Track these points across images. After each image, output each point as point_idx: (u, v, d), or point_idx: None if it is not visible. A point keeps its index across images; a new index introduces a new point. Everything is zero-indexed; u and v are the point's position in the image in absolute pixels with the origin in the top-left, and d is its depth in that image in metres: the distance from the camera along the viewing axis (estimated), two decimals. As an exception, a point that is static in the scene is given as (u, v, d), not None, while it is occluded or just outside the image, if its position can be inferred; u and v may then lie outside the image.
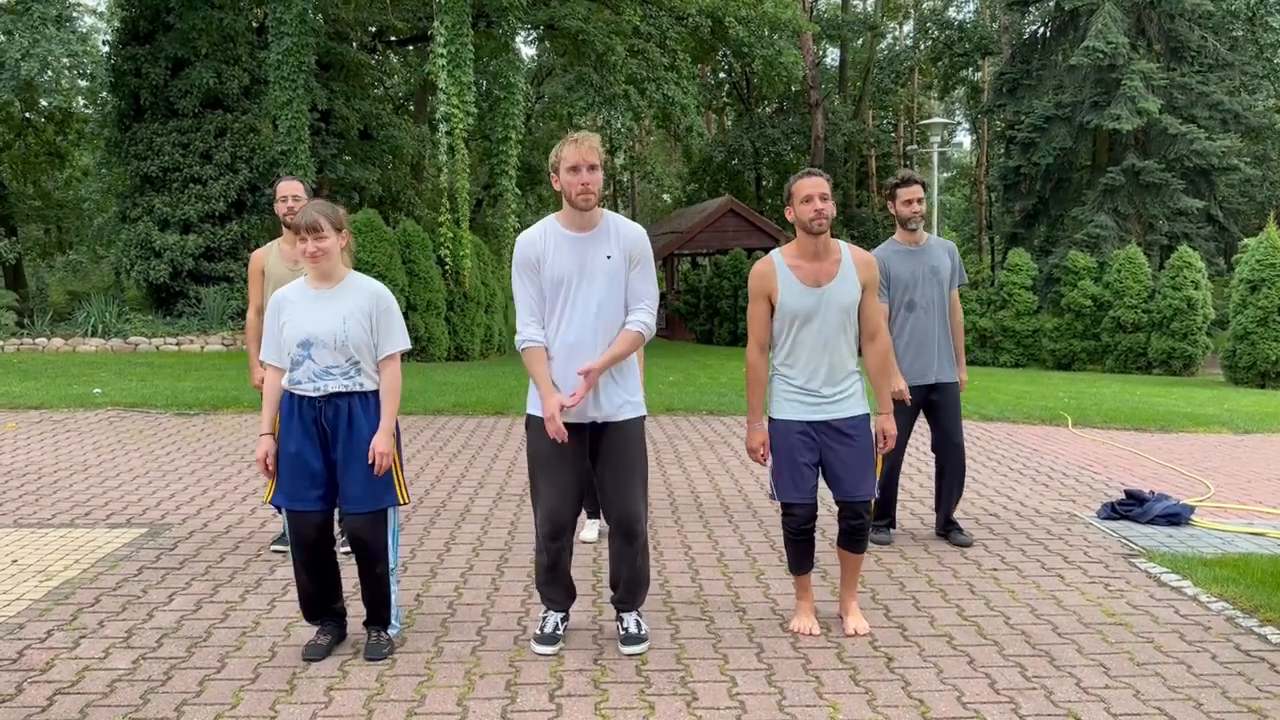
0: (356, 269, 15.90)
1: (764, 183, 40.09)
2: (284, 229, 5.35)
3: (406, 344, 3.99)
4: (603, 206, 3.84)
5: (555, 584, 3.96)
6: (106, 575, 4.87)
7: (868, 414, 4.11)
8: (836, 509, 4.22)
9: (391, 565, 3.94)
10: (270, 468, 3.86)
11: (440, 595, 4.64)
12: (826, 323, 3.99)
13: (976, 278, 21.62)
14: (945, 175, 53.45)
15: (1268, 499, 6.96)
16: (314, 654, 3.86)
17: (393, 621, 4.00)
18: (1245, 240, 17.13)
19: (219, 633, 4.14)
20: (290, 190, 5.22)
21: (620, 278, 3.75)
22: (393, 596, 3.96)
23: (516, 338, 3.76)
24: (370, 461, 3.81)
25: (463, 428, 9.44)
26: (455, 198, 16.20)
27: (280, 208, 5.25)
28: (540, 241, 3.75)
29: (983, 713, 3.43)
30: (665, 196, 49.75)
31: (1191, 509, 6.23)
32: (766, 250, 25.82)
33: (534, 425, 3.84)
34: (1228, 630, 4.25)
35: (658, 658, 3.90)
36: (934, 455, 5.61)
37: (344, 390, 3.83)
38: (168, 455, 7.91)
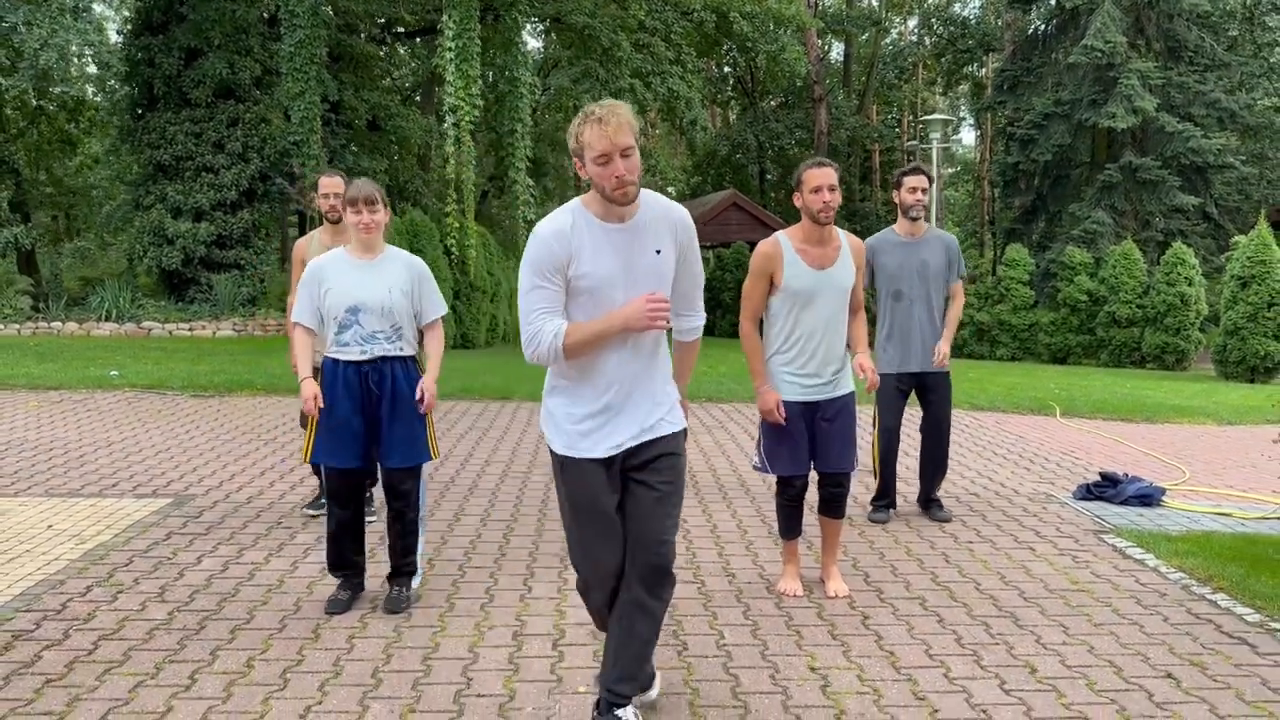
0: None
1: (768, 176, 40.35)
2: (325, 222, 5.58)
3: (445, 309, 4.36)
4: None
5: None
6: (137, 540, 5.21)
7: (853, 392, 4.42)
8: (818, 479, 4.43)
9: (421, 514, 4.32)
10: (319, 408, 4.10)
11: (451, 559, 4.97)
12: (828, 303, 4.25)
13: (976, 272, 21.86)
14: (950, 171, 53.67)
15: (1240, 484, 7.27)
16: (336, 608, 4.19)
17: (417, 570, 4.33)
18: (1237, 237, 17.41)
19: (246, 589, 4.48)
20: (333, 187, 5.44)
21: (669, 278, 3.01)
22: (420, 545, 4.32)
23: (538, 343, 2.89)
24: (419, 399, 4.17)
25: (469, 411, 9.76)
26: (461, 189, 16.51)
27: (324, 203, 5.48)
28: (571, 235, 2.89)
29: (948, 663, 3.75)
30: (670, 189, 50.02)
31: (1163, 491, 6.55)
32: (769, 244, 26.08)
33: (569, 467, 3.04)
34: (1182, 597, 4.57)
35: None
36: (920, 436, 5.93)
37: (388, 354, 4.16)
38: (186, 433, 8.25)
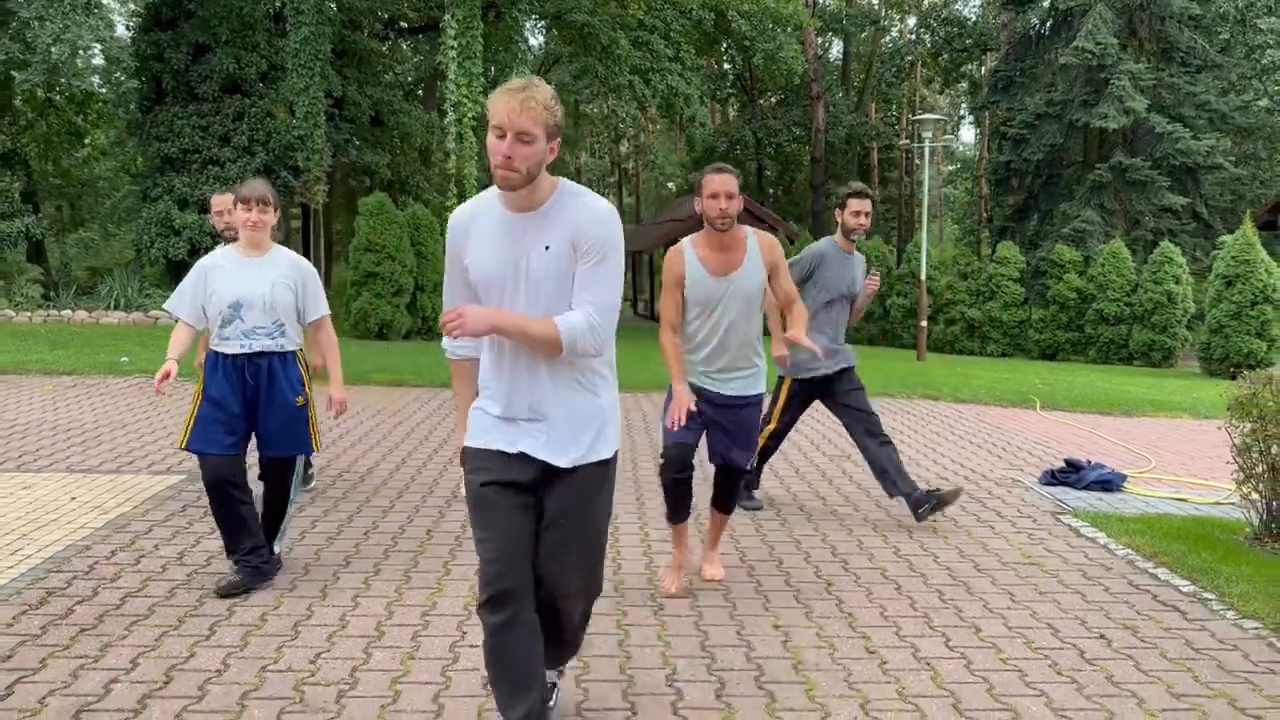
0: (368, 250, 16.53)
1: (766, 173, 40.68)
2: (223, 241, 5.49)
3: (328, 310, 4.58)
4: (548, 183, 2.72)
5: (504, 679, 2.74)
6: (155, 511, 5.57)
7: (761, 394, 4.40)
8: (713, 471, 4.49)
9: (292, 498, 4.54)
10: (165, 382, 4.14)
11: (449, 531, 5.34)
12: (732, 309, 4.18)
13: (968, 269, 22.23)
14: (950, 169, 54.00)
15: (1204, 474, 7.64)
16: (231, 590, 4.25)
17: (277, 544, 4.52)
18: (1224, 237, 17.78)
19: (259, 555, 4.84)
20: (223, 204, 5.54)
21: (563, 280, 2.68)
22: (284, 522, 4.55)
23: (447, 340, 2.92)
24: (330, 410, 4.55)
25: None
26: (463, 183, 16.87)
27: (218, 221, 5.55)
28: (470, 223, 2.76)
29: (900, 624, 4.12)
30: (670, 185, 50.39)
31: (1124, 477, 6.92)
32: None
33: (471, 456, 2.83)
34: (1126, 570, 4.93)
35: (634, 581, 4.60)
36: (858, 444, 5.63)
37: (268, 350, 4.33)
38: (197, 416, 8.60)
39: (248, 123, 18.60)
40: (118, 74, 23.73)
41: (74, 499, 5.80)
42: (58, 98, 23.46)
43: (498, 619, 2.69)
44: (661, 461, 4.30)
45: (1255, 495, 5.49)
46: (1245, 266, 16.40)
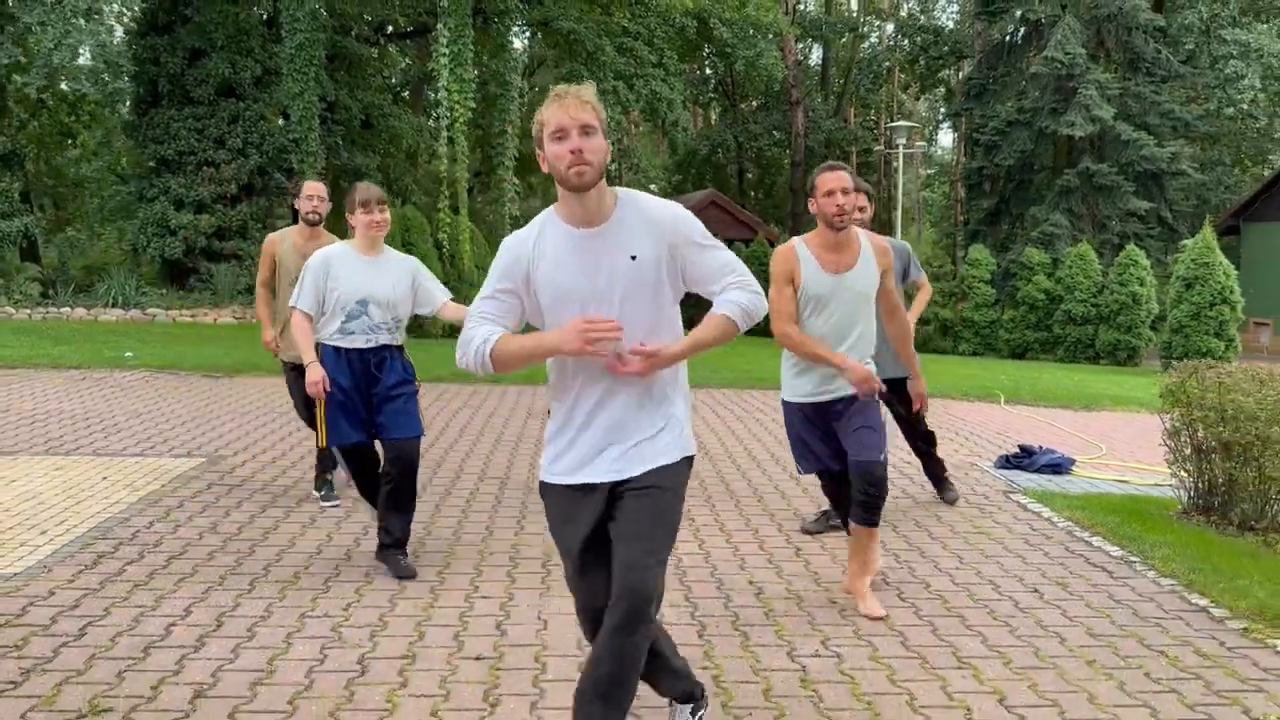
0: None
1: (746, 175, 41.34)
2: (302, 222, 5.88)
3: (447, 293, 4.86)
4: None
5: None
6: (183, 489, 6.07)
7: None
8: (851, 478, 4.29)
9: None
10: (327, 390, 4.55)
11: (449, 517, 5.87)
12: (841, 308, 4.15)
13: (940, 271, 22.91)
14: (928, 172, 54.83)
15: (1151, 460, 8.23)
16: (403, 573, 4.57)
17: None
18: (1185, 241, 18.50)
19: (284, 525, 5.37)
20: (318, 191, 5.85)
21: (656, 286, 2.66)
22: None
23: (466, 349, 2.66)
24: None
25: (460, 393, 10.63)
26: (455, 187, 17.38)
27: (305, 204, 5.80)
28: (534, 244, 2.67)
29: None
30: (652, 187, 50.92)
31: (1073, 461, 7.52)
32: (747, 242, 27.06)
33: (550, 493, 2.79)
34: (1064, 538, 5.52)
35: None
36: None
37: (388, 343, 4.67)
38: (206, 406, 9.09)
39: (242, 125, 19.06)
40: (104, 74, 24.05)
41: (105, 478, 6.28)
42: (49, 99, 23.80)
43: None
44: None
45: (1184, 474, 6.08)
46: (1205, 269, 17.11)
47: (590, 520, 2.69)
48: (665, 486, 2.67)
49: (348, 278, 4.61)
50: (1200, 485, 6.04)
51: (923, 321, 22.61)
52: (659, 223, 2.65)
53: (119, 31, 22.25)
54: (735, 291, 2.67)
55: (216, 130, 18.92)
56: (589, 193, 2.58)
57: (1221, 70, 24.19)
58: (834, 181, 4.02)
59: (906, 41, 36.71)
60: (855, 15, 40.92)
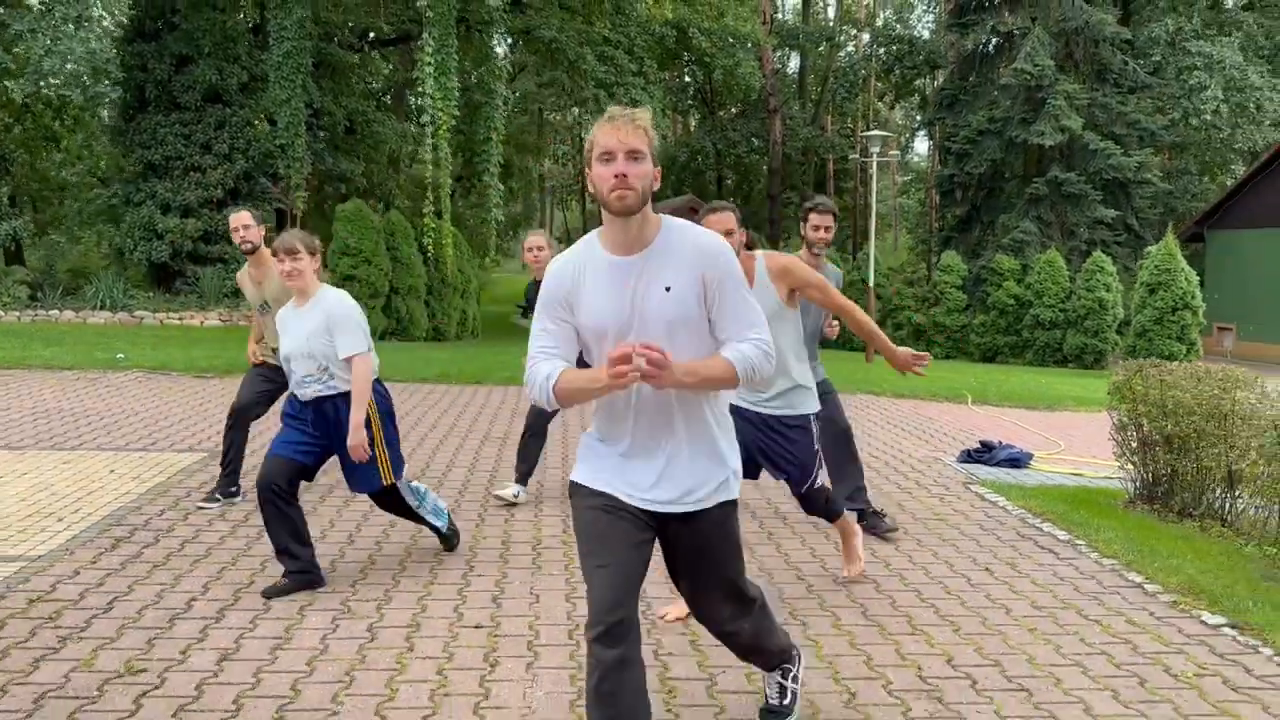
0: (345, 254, 17.24)
1: (725, 182, 41.86)
2: (246, 255, 5.87)
3: (361, 348, 4.42)
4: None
5: None
6: (189, 480, 6.40)
7: (807, 415, 4.44)
8: None
9: (414, 504, 4.82)
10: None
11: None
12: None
13: (914, 277, 23.45)
14: (904, 179, 55.57)
15: (1106, 455, 8.68)
16: (271, 592, 4.39)
17: (439, 523, 4.97)
18: (1150, 248, 19.10)
19: (289, 513, 5.71)
20: (239, 221, 5.76)
21: (691, 319, 2.61)
22: (424, 515, 4.87)
23: (532, 385, 2.64)
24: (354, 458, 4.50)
25: (448, 393, 10.97)
26: (439, 190, 17.72)
27: (235, 237, 5.80)
28: (575, 271, 2.65)
29: (827, 561, 5.08)
30: (631, 192, 51.23)
31: (1031, 455, 7.95)
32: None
33: (580, 493, 2.77)
34: (1017, 525, 5.94)
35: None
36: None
37: (323, 394, 4.49)
38: (201, 405, 9.39)
39: (228, 131, 19.34)
40: (85, 78, 24.20)
41: (113, 471, 6.60)
42: (36, 104, 23.92)
43: (613, 655, 2.52)
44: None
45: (1130, 466, 6.52)
46: (1167, 275, 17.69)
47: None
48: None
49: (281, 332, 4.58)
50: (1146, 476, 6.47)
51: (896, 326, 23.15)
52: (701, 253, 2.60)
53: (107, 38, 22.45)
54: (749, 346, 2.61)
55: (203, 136, 19.18)
56: (631, 218, 2.55)
57: (1186, 81, 24.88)
58: (719, 224, 4.23)
59: (882, 51, 37.31)
60: (832, 25, 41.53)
